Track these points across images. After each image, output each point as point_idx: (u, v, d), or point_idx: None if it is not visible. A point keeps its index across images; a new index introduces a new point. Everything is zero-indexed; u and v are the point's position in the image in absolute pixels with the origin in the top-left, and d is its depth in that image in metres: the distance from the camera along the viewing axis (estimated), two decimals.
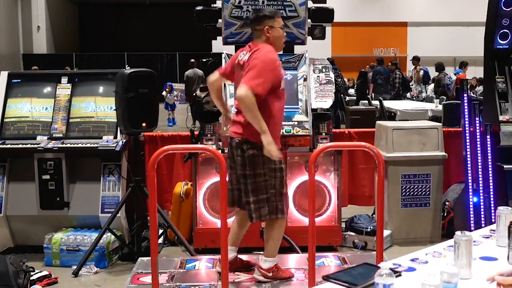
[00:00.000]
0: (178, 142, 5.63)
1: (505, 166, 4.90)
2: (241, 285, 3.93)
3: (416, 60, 14.96)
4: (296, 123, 4.81)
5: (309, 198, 3.44)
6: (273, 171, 3.76)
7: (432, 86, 13.76)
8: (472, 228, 4.74)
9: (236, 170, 3.84)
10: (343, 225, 5.28)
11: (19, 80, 5.34)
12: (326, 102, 5.03)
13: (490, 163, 4.95)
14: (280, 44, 3.96)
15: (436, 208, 5.31)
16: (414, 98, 13.46)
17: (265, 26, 3.84)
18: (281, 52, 5.27)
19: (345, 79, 14.90)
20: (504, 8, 4.95)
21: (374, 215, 5.36)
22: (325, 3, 5.34)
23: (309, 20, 5.20)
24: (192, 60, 14.77)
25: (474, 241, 2.33)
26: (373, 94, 13.50)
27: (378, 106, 10.87)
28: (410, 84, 14.49)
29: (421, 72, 14.41)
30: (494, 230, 2.66)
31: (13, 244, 5.11)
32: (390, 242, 5.20)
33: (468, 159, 5.00)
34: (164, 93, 14.62)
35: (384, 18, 22.93)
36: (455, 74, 12.87)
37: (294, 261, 4.37)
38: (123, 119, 4.66)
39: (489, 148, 4.96)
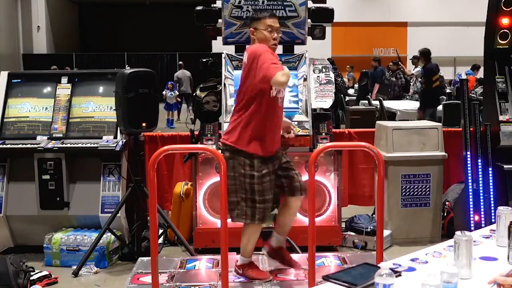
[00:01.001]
0: (178, 142, 5.63)
1: (505, 166, 4.90)
2: (241, 285, 3.93)
3: (416, 59, 14.93)
4: (296, 123, 4.81)
5: (309, 198, 3.44)
6: (242, 176, 3.75)
7: None
8: (472, 228, 4.74)
9: None
10: (343, 225, 5.28)
11: (19, 80, 5.34)
12: (326, 102, 5.04)
13: (490, 163, 4.96)
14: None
15: (436, 208, 5.31)
16: (407, 98, 13.44)
17: (250, 28, 3.87)
18: (280, 52, 5.30)
19: (345, 79, 14.87)
20: (504, 8, 4.95)
21: (374, 215, 5.36)
22: (325, 3, 5.34)
23: (309, 20, 5.20)
24: (181, 62, 17.42)
25: (474, 241, 2.33)
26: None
27: (378, 106, 10.87)
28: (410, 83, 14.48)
29: (415, 71, 14.39)
30: (494, 230, 2.66)
31: (13, 244, 5.11)
32: (390, 242, 5.20)
33: (468, 159, 5.00)
34: (164, 92, 14.58)
35: (384, 18, 22.93)
36: (467, 75, 12.88)
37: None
38: (123, 119, 4.66)
39: (489, 148, 4.96)
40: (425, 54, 9.54)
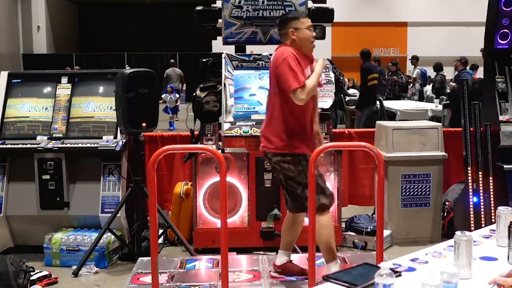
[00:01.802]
0: (178, 142, 5.63)
1: (505, 166, 4.90)
2: (241, 285, 3.93)
3: (415, 59, 14.94)
4: None
5: (309, 198, 3.44)
6: (302, 172, 3.80)
7: (430, 86, 13.76)
8: (472, 228, 4.74)
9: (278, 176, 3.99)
10: (343, 225, 5.28)
11: (19, 80, 5.34)
12: (326, 102, 5.04)
13: (490, 163, 4.96)
14: (308, 45, 3.89)
15: (436, 208, 5.31)
16: (406, 98, 13.46)
17: (289, 28, 3.85)
18: None
19: (346, 79, 14.84)
20: (504, 8, 4.95)
21: (374, 215, 5.36)
22: (325, 3, 5.34)
23: None
24: (172, 60, 19.17)
25: (474, 241, 2.33)
26: None
27: (378, 106, 10.86)
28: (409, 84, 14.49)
29: (415, 73, 14.42)
30: (494, 230, 2.66)
31: (13, 244, 5.11)
32: (390, 242, 5.20)
33: (468, 159, 4.99)
34: (164, 95, 14.45)
35: (384, 18, 22.92)
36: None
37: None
38: (123, 119, 4.66)
39: (489, 148, 4.96)
40: (363, 54, 9.79)
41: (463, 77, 10.07)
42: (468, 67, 11.10)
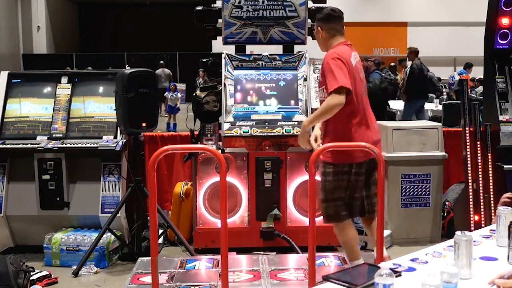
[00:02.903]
0: (178, 142, 5.63)
1: (505, 166, 4.89)
2: (241, 285, 3.93)
3: (404, 61, 14.96)
4: (296, 123, 4.82)
5: (309, 198, 3.44)
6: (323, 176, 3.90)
7: None
8: (472, 228, 4.74)
9: None
10: None
11: (19, 80, 5.34)
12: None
13: (490, 163, 4.95)
14: None
15: (436, 208, 5.31)
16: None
17: None
18: (280, 52, 5.31)
19: None
20: (504, 8, 4.95)
21: None
22: (325, 3, 5.34)
23: (309, 20, 5.20)
24: (162, 61, 19.22)
25: (474, 241, 2.33)
26: None
27: None
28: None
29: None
30: (494, 230, 2.66)
31: (13, 244, 5.11)
32: (390, 242, 5.20)
33: (468, 159, 4.99)
34: (166, 93, 14.37)
35: (384, 18, 22.90)
36: (459, 75, 12.91)
37: (294, 261, 4.37)
38: (123, 119, 4.66)
39: (489, 148, 4.96)
40: None
41: (373, 77, 10.16)
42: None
